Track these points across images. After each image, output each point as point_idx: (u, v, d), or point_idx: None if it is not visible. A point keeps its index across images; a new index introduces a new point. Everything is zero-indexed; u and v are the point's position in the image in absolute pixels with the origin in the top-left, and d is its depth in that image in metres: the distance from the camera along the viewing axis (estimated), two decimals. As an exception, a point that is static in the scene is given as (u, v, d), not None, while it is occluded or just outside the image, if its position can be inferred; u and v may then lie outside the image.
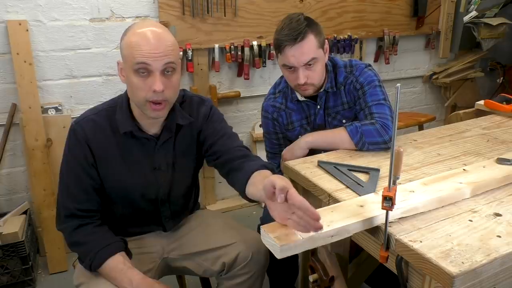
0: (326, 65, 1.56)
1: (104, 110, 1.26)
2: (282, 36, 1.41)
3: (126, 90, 1.27)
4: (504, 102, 1.75)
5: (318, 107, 1.58)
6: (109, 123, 1.24)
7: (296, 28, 1.39)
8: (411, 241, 0.89)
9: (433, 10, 3.11)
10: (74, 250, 1.25)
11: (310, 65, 1.43)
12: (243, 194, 1.23)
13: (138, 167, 1.28)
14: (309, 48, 1.41)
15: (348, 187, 1.17)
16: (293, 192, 0.88)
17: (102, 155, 1.24)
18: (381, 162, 1.32)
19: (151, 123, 1.27)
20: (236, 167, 1.26)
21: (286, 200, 0.89)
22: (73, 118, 2.29)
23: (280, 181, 0.90)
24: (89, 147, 1.22)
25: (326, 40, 1.50)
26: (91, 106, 1.31)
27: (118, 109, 1.25)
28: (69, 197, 1.24)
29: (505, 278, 0.90)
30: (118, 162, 1.26)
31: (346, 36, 2.83)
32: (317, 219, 0.86)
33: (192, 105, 1.35)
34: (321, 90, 1.55)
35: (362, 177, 1.22)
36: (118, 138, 1.25)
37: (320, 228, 0.87)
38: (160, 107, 1.17)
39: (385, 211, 0.89)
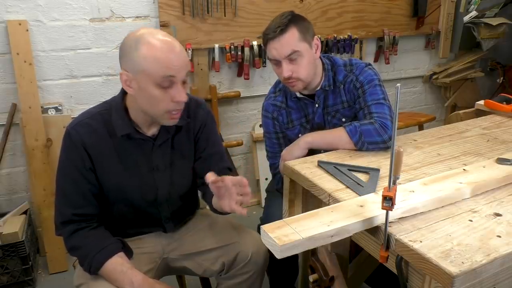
0: (323, 63, 1.56)
1: (98, 113, 1.26)
2: (266, 31, 1.45)
3: (119, 93, 1.27)
4: (504, 102, 1.75)
5: (317, 105, 1.58)
6: (105, 126, 1.24)
7: (279, 23, 1.42)
8: (411, 241, 0.89)
9: (433, 10, 3.11)
10: (74, 255, 1.25)
11: (294, 58, 1.43)
12: (211, 206, 1.32)
13: (135, 169, 1.28)
14: (289, 41, 1.41)
15: (348, 187, 1.17)
16: (225, 177, 1.08)
17: (99, 158, 1.24)
18: (381, 162, 1.32)
19: (149, 124, 1.27)
20: None
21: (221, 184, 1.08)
22: (73, 118, 2.29)
23: (211, 176, 1.09)
24: (86, 151, 1.22)
25: (317, 37, 1.50)
26: (92, 106, 1.31)
27: (114, 112, 1.25)
28: (65, 202, 1.24)
29: (505, 278, 0.90)
30: (115, 164, 1.26)
31: (346, 36, 2.83)
32: (245, 184, 1.08)
33: (190, 106, 1.35)
34: (318, 88, 1.55)
35: (362, 177, 1.22)
36: (115, 141, 1.25)
37: (248, 193, 1.09)
38: (178, 115, 1.22)
39: (385, 211, 0.89)
